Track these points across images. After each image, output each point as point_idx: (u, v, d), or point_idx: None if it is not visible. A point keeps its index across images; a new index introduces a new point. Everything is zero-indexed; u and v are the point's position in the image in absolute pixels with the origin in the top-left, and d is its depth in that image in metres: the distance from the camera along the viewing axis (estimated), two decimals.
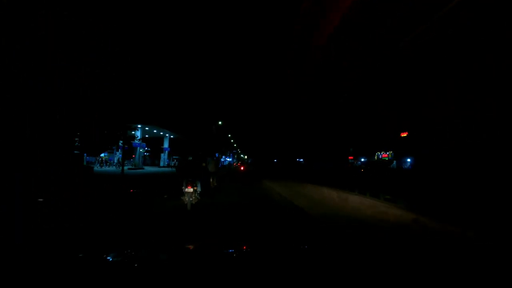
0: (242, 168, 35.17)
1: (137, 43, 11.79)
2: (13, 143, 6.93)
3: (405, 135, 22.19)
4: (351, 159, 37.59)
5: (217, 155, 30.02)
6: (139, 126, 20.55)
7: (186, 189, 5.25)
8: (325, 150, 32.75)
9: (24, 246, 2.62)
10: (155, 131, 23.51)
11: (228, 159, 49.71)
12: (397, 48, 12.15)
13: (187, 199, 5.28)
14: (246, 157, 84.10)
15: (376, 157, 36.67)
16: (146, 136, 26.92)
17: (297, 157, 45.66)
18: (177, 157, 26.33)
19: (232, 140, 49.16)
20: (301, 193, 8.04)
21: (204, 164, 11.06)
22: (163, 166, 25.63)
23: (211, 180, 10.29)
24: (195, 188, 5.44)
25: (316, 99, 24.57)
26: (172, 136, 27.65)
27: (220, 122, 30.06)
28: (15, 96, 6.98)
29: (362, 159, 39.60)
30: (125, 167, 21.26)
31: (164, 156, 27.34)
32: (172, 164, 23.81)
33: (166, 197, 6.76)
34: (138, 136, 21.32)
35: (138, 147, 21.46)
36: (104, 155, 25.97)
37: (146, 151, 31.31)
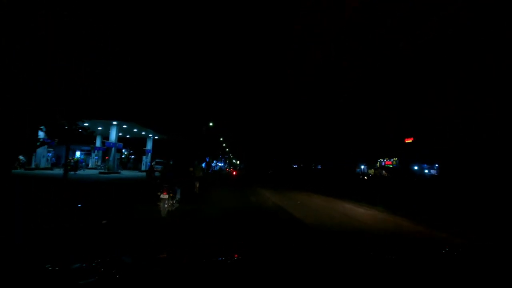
0: (234, 173, 35.87)
1: (122, 33, 11.62)
2: (13, 143, 6.76)
3: (411, 140, 22.52)
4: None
5: (207, 159, 29.60)
6: (114, 122, 19.49)
7: (162, 195, 5.29)
8: (323, 156, 33.04)
9: (24, 246, 2.64)
10: (135, 130, 22.76)
11: (220, 164, 49.36)
12: (397, 48, 12.56)
13: (162, 205, 5.31)
14: (238, 162, 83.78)
15: (378, 164, 37.22)
16: (128, 136, 26.33)
17: (292, 163, 45.86)
18: (160, 160, 25.73)
19: (224, 144, 48.93)
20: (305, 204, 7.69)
21: (191, 169, 10.93)
22: (144, 170, 24.89)
23: (197, 185, 10.15)
24: (171, 194, 5.46)
25: (315, 100, 25.00)
26: (156, 137, 27.12)
27: (211, 124, 29.58)
28: (15, 96, 6.93)
29: (362, 166, 40.13)
30: (96, 171, 20.57)
31: (146, 159, 26.60)
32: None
33: (105, 222, 4.72)
34: (113, 135, 20.27)
35: (113, 148, 19.97)
36: (80, 157, 25.07)
37: (131, 154, 30.51)
